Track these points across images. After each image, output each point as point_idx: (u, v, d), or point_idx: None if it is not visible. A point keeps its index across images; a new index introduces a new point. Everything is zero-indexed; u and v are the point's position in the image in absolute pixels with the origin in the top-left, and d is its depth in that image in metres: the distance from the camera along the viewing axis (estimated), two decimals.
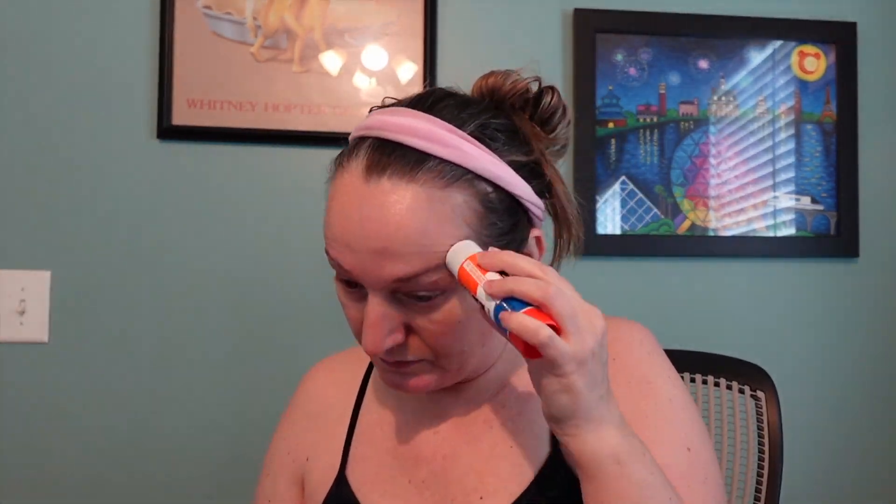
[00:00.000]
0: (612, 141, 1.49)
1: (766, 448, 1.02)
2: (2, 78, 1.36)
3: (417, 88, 1.43)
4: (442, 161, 0.64)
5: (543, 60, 1.49)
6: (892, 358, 1.55)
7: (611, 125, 1.50)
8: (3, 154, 1.36)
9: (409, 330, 0.67)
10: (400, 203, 0.62)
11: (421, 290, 0.64)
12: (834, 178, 1.54)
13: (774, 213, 1.53)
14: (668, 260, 1.50)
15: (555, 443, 0.70)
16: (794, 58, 1.55)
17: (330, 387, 0.84)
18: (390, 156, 0.64)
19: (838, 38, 1.54)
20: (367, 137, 0.67)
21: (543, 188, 0.71)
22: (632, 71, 1.51)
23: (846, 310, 1.54)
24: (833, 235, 1.53)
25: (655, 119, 1.51)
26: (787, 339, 1.53)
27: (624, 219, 1.49)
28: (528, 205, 0.68)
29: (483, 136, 0.67)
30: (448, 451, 0.74)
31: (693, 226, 1.51)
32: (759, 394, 1.04)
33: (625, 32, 1.50)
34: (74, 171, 1.37)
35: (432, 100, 0.69)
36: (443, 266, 0.63)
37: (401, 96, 1.51)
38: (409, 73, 1.43)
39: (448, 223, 0.63)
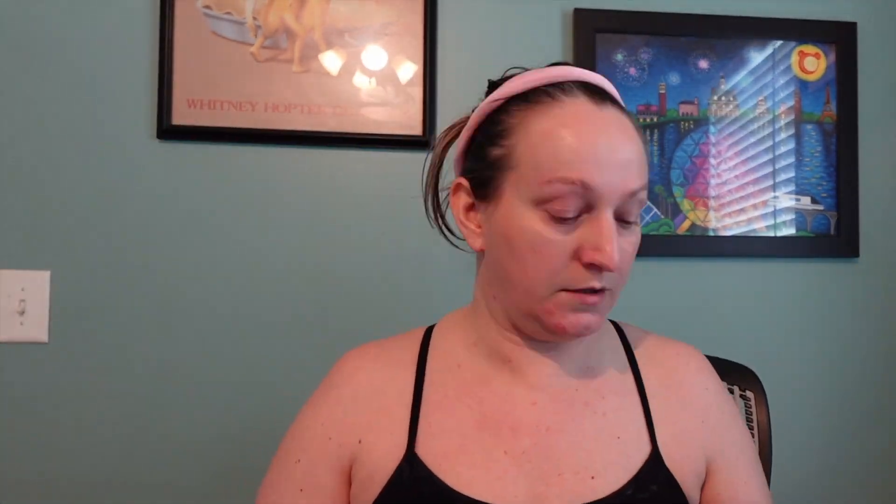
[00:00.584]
0: None
1: (756, 448, 1.02)
2: (1, 78, 1.36)
3: (417, 88, 1.43)
4: (627, 111, 0.76)
5: (543, 60, 1.50)
6: (893, 358, 1.55)
7: None
8: (3, 154, 1.36)
9: None
10: (629, 125, 0.74)
11: (636, 209, 0.73)
12: (834, 178, 1.54)
13: (774, 213, 1.53)
14: (668, 260, 1.50)
15: (654, 443, 0.76)
16: (794, 58, 1.55)
17: (377, 371, 0.82)
18: (602, 93, 0.75)
19: (838, 38, 1.54)
20: (572, 81, 0.75)
21: None
22: (632, 71, 1.51)
23: (846, 310, 1.55)
24: (833, 235, 1.53)
25: (655, 119, 1.51)
26: (787, 340, 1.53)
27: None
28: None
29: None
30: (553, 424, 0.75)
31: (693, 226, 1.51)
32: (749, 394, 1.05)
33: (625, 32, 1.50)
34: (74, 171, 1.37)
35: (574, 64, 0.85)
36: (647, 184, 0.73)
37: (401, 96, 1.51)
38: (409, 73, 1.43)
39: (645, 147, 0.75)
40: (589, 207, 0.71)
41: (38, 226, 1.36)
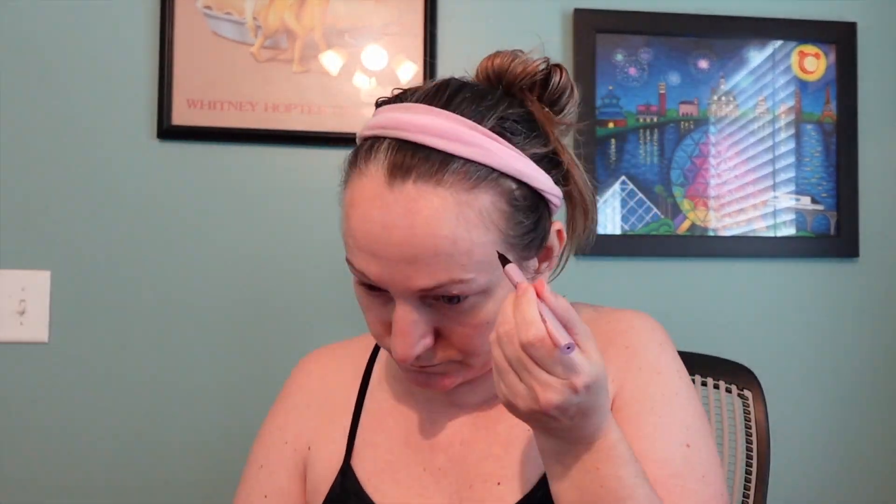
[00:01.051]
0: (612, 141, 1.49)
1: (755, 447, 1.02)
2: (1, 78, 1.36)
3: None
4: (467, 161, 0.62)
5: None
6: (893, 358, 1.55)
7: (611, 125, 1.50)
8: (3, 154, 1.36)
9: (437, 333, 0.66)
10: (428, 210, 0.60)
11: (453, 295, 0.63)
12: (834, 178, 1.54)
13: (774, 213, 1.53)
14: (668, 260, 1.50)
15: None
16: (794, 58, 1.55)
17: (330, 375, 0.82)
18: (413, 158, 0.61)
19: (838, 38, 1.54)
20: (384, 137, 0.64)
21: (560, 177, 0.70)
22: (632, 71, 1.51)
23: (846, 310, 1.54)
24: (833, 235, 1.53)
25: (655, 119, 1.51)
26: (786, 339, 1.53)
27: (624, 219, 1.49)
28: (549, 197, 0.68)
29: (504, 131, 0.65)
30: (466, 436, 0.73)
31: (693, 226, 1.51)
32: (746, 393, 1.05)
33: (625, 32, 1.50)
34: (74, 171, 1.37)
35: (448, 94, 0.66)
36: (473, 271, 0.62)
37: None
38: (409, 73, 1.43)
39: (476, 228, 0.61)
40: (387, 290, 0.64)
41: (38, 226, 1.36)
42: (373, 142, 0.64)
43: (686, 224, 1.51)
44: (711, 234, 1.51)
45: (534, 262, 0.69)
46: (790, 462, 1.50)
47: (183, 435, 1.38)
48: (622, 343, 0.74)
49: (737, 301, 1.52)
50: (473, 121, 0.64)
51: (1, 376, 1.34)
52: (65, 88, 1.38)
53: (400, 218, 0.60)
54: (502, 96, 0.69)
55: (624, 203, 1.49)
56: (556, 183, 0.69)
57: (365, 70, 1.43)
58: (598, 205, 1.48)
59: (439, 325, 0.65)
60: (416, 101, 0.66)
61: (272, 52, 1.41)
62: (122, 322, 1.37)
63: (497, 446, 0.72)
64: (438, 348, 0.66)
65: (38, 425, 1.35)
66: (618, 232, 1.48)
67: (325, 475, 0.76)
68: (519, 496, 0.68)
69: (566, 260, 0.75)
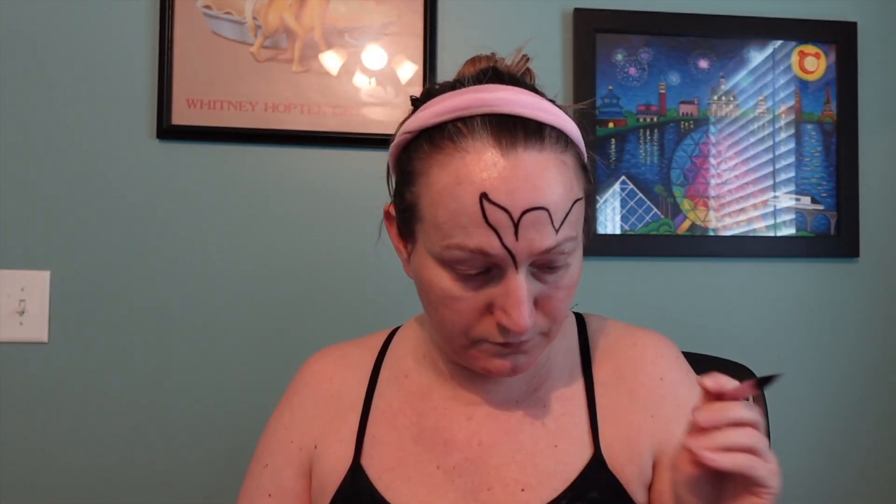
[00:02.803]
0: (612, 141, 1.49)
1: None
2: (1, 78, 1.36)
3: (417, 88, 1.43)
4: (553, 127, 0.66)
5: (543, 60, 1.50)
6: (892, 358, 1.55)
7: (611, 125, 1.50)
8: (3, 154, 1.36)
9: (535, 303, 0.67)
10: (543, 171, 0.63)
11: (562, 256, 0.66)
12: (834, 178, 1.54)
13: (774, 213, 1.53)
14: (668, 260, 1.50)
15: (596, 446, 0.72)
16: (794, 58, 1.55)
17: (337, 374, 0.82)
18: (515, 128, 0.64)
19: (838, 38, 1.54)
20: (472, 116, 0.65)
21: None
22: (632, 71, 1.51)
23: (846, 310, 1.54)
24: (833, 235, 1.53)
25: (655, 119, 1.51)
26: (786, 339, 1.53)
27: (624, 219, 1.49)
28: (588, 164, 0.73)
29: (555, 102, 0.70)
30: (486, 438, 0.74)
31: (693, 226, 1.51)
32: None
33: (625, 32, 1.50)
34: (74, 171, 1.37)
35: (505, 76, 0.70)
36: (577, 228, 0.66)
37: (401, 96, 1.51)
38: (409, 73, 1.43)
39: (574, 185, 0.66)
40: (496, 266, 0.65)
41: (38, 226, 1.36)
42: (460, 123, 0.65)
43: (686, 224, 1.51)
44: (711, 234, 1.51)
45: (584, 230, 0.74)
46: (789, 462, 1.50)
47: (183, 435, 1.38)
48: (655, 374, 0.76)
49: (737, 301, 1.52)
50: (537, 95, 0.69)
51: (1, 376, 1.34)
52: (64, 88, 1.38)
53: (522, 182, 0.62)
54: None
55: (624, 203, 1.49)
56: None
57: (365, 70, 1.43)
58: (598, 205, 1.48)
59: (538, 293, 0.67)
60: (476, 85, 0.68)
61: (272, 52, 1.41)
62: (121, 322, 1.37)
63: (521, 454, 0.72)
64: (537, 321, 0.69)
65: (38, 425, 1.35)
66: (618, 232, 1.48)
67: (334, 474, 0.76)
68: (545, 500, 0.69)
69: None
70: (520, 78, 0.73)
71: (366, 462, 0.75)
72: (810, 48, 1.55)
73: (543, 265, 0.66)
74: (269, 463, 0.81)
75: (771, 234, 1.52)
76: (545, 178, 0.63)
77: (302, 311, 1.41)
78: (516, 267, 0.64)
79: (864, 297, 1.55)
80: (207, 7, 1.39)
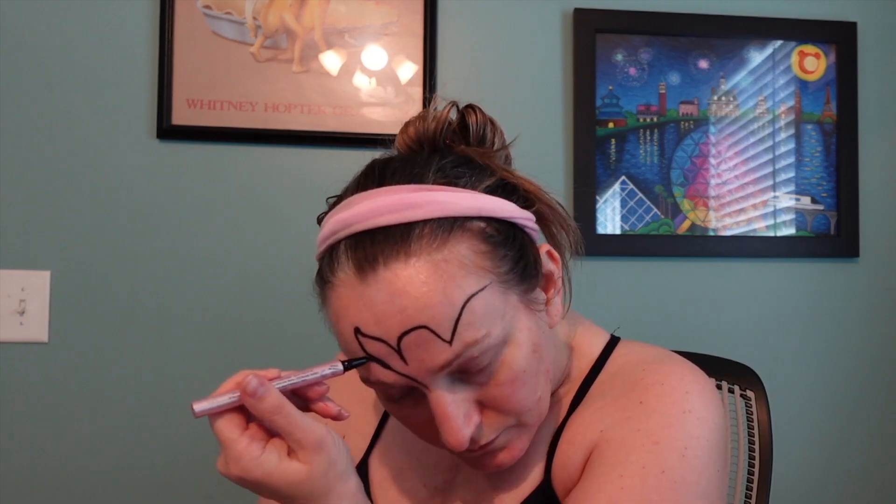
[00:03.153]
0: (612, 141, 1.49)
1: (757, 448, 1.03)
2: (1, 78, 1.36)
3: (417, 88, 1.43)
4: (425, 222, 0.59)
5: (543, 60, 1.50)
6: (892, 358, 1.55)
7: (611, 125, 1.50)
8: (3, 154, 1.36)
9: (481, 406, 0.62)
10: (410, 285, 0.57)
11: (475, 360, 0.59)
12: (834, 178, 1.54)
13: (774, 213, 1.53)
14: (668, 260, 1.50)
15: (548, 473, 0.67)
16: (794, 58, 1.55)
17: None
18: (374, 245, 0.58)
19: (838, 38, 1.54)
20: (338, 243, 0.61)
21: (522, 200, 0.67)
22: (632, 71, 1.51)
23: (846, 310, 1.54)
24: (833, 235, 1.53)
25: (655, 119, 1.51)
26: (786, 339, 1.53)
27: (624, 219, 1.49)
28: (521, 222, 0.64)
29: (447, 179, 0.62)
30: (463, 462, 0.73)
31: (693, 226, 1.51)
32: (749, 393, 1.04)
33: (625, 32, 1.50)
34: (74, 171, 1.37)
35: (378, 173, 0.64)
36: (483, 326, 0.58)
37: (401, 96, 1.51)
38: (409, 73, 1.43)
39: (465, 279, 0.58)
40: (413, 388, 0.61)
41: (38, 226, 1.36)
42: (329, 253, 0.62)
43: (686, 224, 1.51)
44: (711, 234, 1.51)
45: (540, 294, 0.66)
46: (789, 461, 1.49)
47: (183, 434, 1.38)
48: (637, 397, 0.66)
49: (737, 301, 1.52)
50: (413, 183, 0.61)
51: (1, 376, 1.34)
52: (64, 88, 1.38)
53: (387, 306, 0.57)
54: (431, 153, 0.67)
55: (624, 203, 1.49)
56: (524, 207, 0.66)
57: (365, 70, 1.43)
58: (598, 205, 1.48)
59: (479, 397, 0.61)
60: (350, 196, 0.64)
61: (272, 52, 1.41)
62: (121, 322, 1.37)
63: (483, 478, 0.71)
64: (489, 421, 0.62)
65: (38, 425, 1.35)
66: (618, 232, 1.48)
67: None
68: None
69: (569, 278, 0.71)
70: (401, 165, 0.64)
71: (372, 464, 0.76)
72: (810, 48, 1.55)
73: (463, 371, 0.60)
74: None
75: (771, 234, 1.52)
76: (412, 294, 0.57)
77: (302, 310, 1.41)
78: (426, 386, 0.59)
79: (864, 297, 1.55)
80: (207, 7, 1.39)
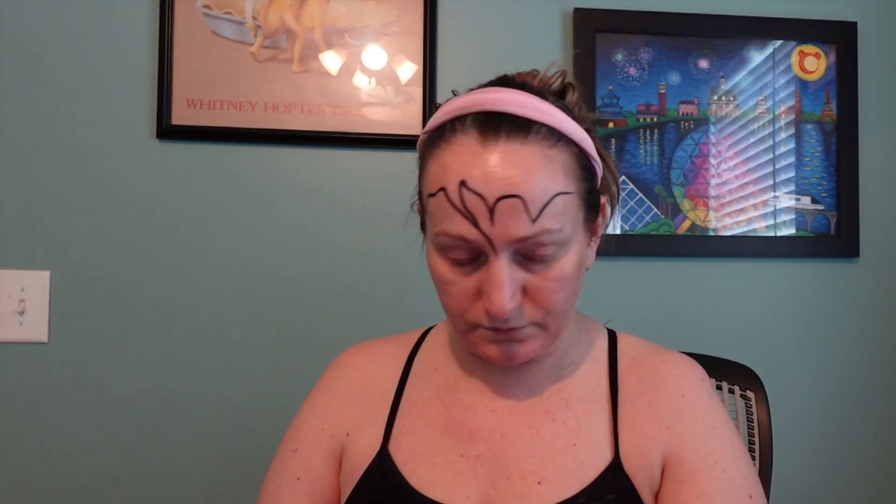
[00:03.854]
0: (612, 141, 1.49)
1: (757, 448, 1.03)
2: (2, 78, 1.36)
3: (417, 88, 1.43)
4: (543, 125, 0.69)
5: (543, 60, 1.50)
6: (892, 358, 1.55)
7: (611, 125, 1.49)
8: (3, 154, 1.36)
9: (523, 292, 0.70)
10: (521, 160, 0.66)
11: (543, 247, 0.68)
12: (834, 178, 1.54)
13: (774, 213, 1.53)
14: (668, 260, 1.50)
15: (616, 451, 0.74)
16: (794, 58, 1.55)
17: (370, 368, 0.86)
18: (500, 123, 0.68)
19: (838, 38, 1.54)
20: (465, 115, 0.70)
21: (598, 151, 0.77)
22: (632, 71, 1.51)
23: (846, 310, 1.54)
24: (833, 235, 1.53)
25: (655, 119, 1.51)
26: (786, 340, 1.53)
27: (624, 219, 1.49)
28: (597, 167, 0.76)
29: (563, 106, 0.74)
30: (508, 430, 0.77)
31: (693, 226, 1.51)
32: (749, 394, 1.05)
33: (625, 32, 1.50)
34: (74, 171, 1.37)
35: (511, 79, 0.76)
36: (560, 221, 0.68)
37: (401, 96, 1.51)
38: (409, 73, 1.43)
39: (561, 178, 0.68)
40: (481, 253, 0.69)
41: (38, 226, 1.36)
42: (455, 120, 0.70)
43: (686, 224, 1.51)
44: (711, 234, 1.51)
45: (590, 231, 0.76)
46: (789, 461, 1.50)
47: (183, 434, 1.38)
48: (677, 390, 0.78)
49: (737, 301, 1.52)
50: (539, 97, 0.72)
51: (1, 376, 1.34)
52: (64, 88, 1.38)
53: (498, 168, 0.66)
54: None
55: (624, 203, 1.49)
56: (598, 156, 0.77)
57: (365, 70, 1.43)
58: None
59: (526, 282, 0.69)
60: (482, 87, 0.73)
61: (272, 52, 1.41)
62: (121, 322, 1.37)
63: (541, 447, 0.75)
64: (525, 309, 0.71)
65: (38, 425, 1.35)
66: (618, 232, 1.48)
67: (362, 458, 0.79)
68: (559, 499, 0.71)
69: (604, 238, 0.81)
70: (534, 86, 0.76)
71: (393, 449, 0.78)
72: (810, 48, 1.55)
73: (527, 254, 0.68)
74: (298, 448, 0.83)
75: (771, 234, 1.52)
76: (522, 169, 0.66)
77: (301, 310, 1.41)
78: (496, 252, 0.67)
79: (864, 297, 1.55)
80: (207, 7, 1.39)
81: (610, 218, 0.82)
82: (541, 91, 0.75)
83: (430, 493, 0.74)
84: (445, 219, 0.68)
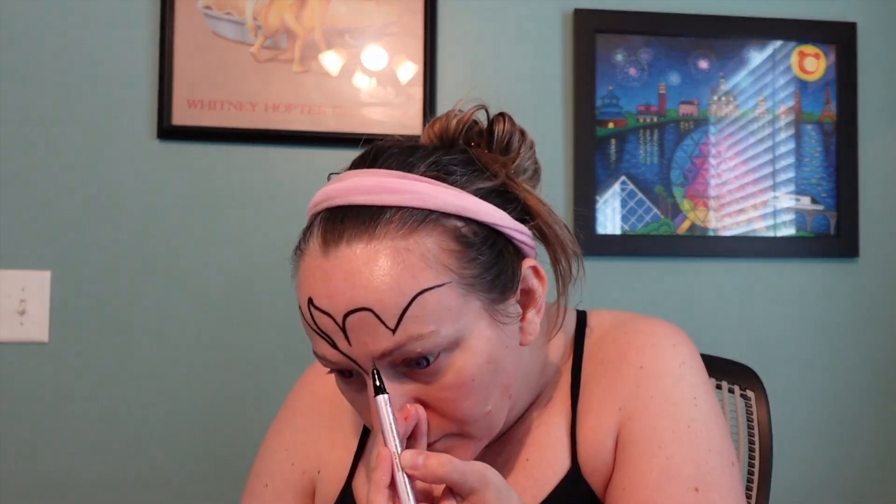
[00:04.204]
0: (612, 141, 1.49)
1: (757, 448, 1.02)
2: (2, 78, 1.36)
3: (417, 89, 1.43)
4: (399, 209, 0.59)
5: (543, 60, 1.50)
6: (892, 358, 1.55)
7: (611, 125, 1.50)
8: (4, 154, 1.36)
9: (422, 403, 0.61)
10: (365, 266, 0.57)
11: (419, 356, 0.58)
12: (834, 178, 1.54)
13: (774, 213, 1.53)
14: (668, 260, 1.50)
15: (574, 458, 0.67)
16: (794, 58, 1.55)
17: (339, 394, 0.77)
18: (344, 221, 0.59)
19: (838, 38, 1.54)
20: (318, 214, 0.63)
21: (521, 212, 0.66)
22: (632, 71, 1.51)
23: (846, 310, 1.54)
24: (833, 235, 1.53)
25: (655, 119, 1.51)
26: (786, 340, 1.53)
27: (624, 219, 1.49)
28: (509, 232, 0.63)
29: (437, 174, 0.62)
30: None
31: (693, 226, 1.51)
32: (749, 394, 1.04)
33: (625, 32, 1.50)
34: (74, 171, 1.37)
35: (373, 154, 0.66)
36: (431, 322, 0.57)
37: (401, 96, 1.51)
38: (409, 73, 1.43)
39: (423, 272, 0.57)
40: (358, 372, 0.61)
41: (38, 226, 1.36)
42: (310, 222, 0.64)
43: (686, 224, 1.51)
44: (711, 234, 1.51)
45: (514, 307, 0.64)
46: (789, 461, 1.49)
47: (182, 435, 1.38)
48: (636, 362, 0.68)
49: (737, 301, 1.52)
50: (402, 171, 0.62)
51: (1, 376, 1.34)
52: (65, 88, 1.38)
53: (340, 282, 0.57)
54: (438, 147, 0.67)
55: (624, 203, 1.49)
56: (520, 220, 0.65)
57: (365, 70, 1.43)
58: (598, 205, 1.48)
59: (420, 395, 0.60)
60: (344, 171, 0.66)
61: (272, 52, 1.41)
62: (122, 322, 1.37)
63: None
64: (430, 421, 0.61)
65: (38, 425, 1.35)
66: (618, 232, 1.48)
67: (329, 496, 0.75)
68: None
69: (566, 303, 0.70)
70: (409, 148, 0.66)
71: (356, 485, 0.73)
72: (810, 48, 1.55)
73: (406, 363, 0.59)
74: (269, 483, 0.78)
75: (771, 234, 1.52)
76: (366, 275, 0.57)
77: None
78: (366, 372, 0.59)
79: (864, 297, 1.55)
80: (208, 7, 1.40)
81: (573, 268, 0.68)
82: (407, 160, 0.63)
83: None
84: (311, 338, 0.62)
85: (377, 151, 0.66)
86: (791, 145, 1.54)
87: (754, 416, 1.04)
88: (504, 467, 0.68)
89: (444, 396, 0.60)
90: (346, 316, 0.57)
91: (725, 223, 1.52)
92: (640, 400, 0.66)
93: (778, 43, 1.54)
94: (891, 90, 1.57)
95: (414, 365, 0.58)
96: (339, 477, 0.75)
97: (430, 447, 0.61)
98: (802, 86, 1.55)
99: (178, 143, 1.40)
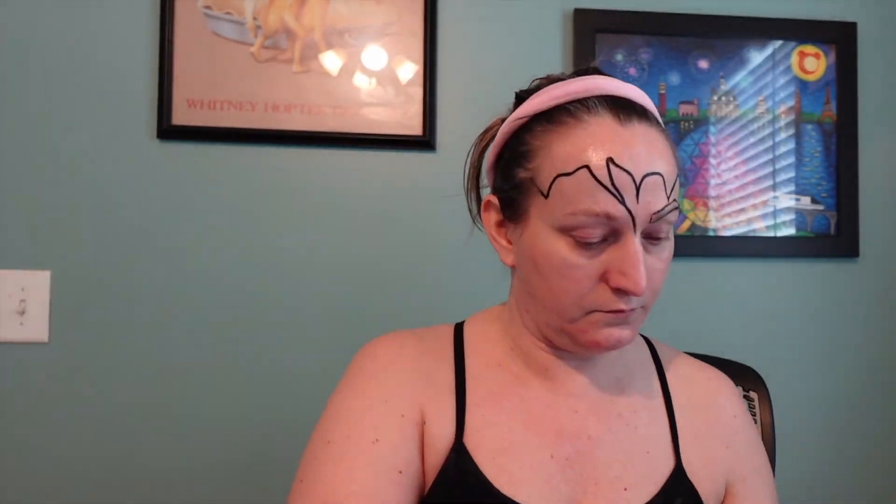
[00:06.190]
0: None
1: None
2: (1, 78, 1.36)
3: (417, 88, 1.43)
4: (653, 113, 0.74)
5: (543, 60, 1.50)
6: (892, 358, 1.55)
7: None
8: (4, 154, 1.36)
9: None
10: (657, 139, 0.71)
11: (667, 226, 0.71)
12: (834, 178, 1.54)
13: (774, 213, 1.53)
14: None
15: (678, 457, 0.77)
16: (794, 58, 1.55)
17: (421, 356, 0.79)
18: (627, 106, 0.71)
19: (838, 38, 1.54)
20: (588, 98, 0.72)
21: None
22: (632, 71, 1.51)
23: (846, 310, 1.55)
24: (833, 235, 1.53)
25: None
26: (787, 340, 1.53)
27: None
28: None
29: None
30: (593, 433, 0.76)
31: (693, 226, 1.51)
32: (752, 394, 1.05)
33: (625, 32, 1.50)
34: (74, 171, 1.37)
35: (595, 70, 0.79)
36: (676, 199, 0.72)
37: (401, 96, 1.51)
38: (409, 73, 1.43)
39: (675, 162, 0.73)
40: (615, 232, 0.70)
41: (38, 226, 1.36)
42: (578, 103, 0.72)
43: (686, 224, 1.51)
44: (711, 234, 1.51)
45: None
46: (789, 461, 1.50)
47: (183, 435, 1.38)
48: (730, 411, 0.84)
49: (737, 301, 1.52)
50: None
51: (1, 376, 1.34)
52: (64, 88, 1.38)
53: (641, 148, 0.69)
54: None
55: None
56: None
57: (365, 70, 1.43)
58: None
59: (645, 263, 0.72)
60: (583, 75, 0.76)
61: (272, 52, 1.41)
62: (122, 322, 1.37)
63: (623, 454, 0.76)
64: None
65: (39, 425, 1.35)
66: None
67: (437, 450, 0.73)
68: (642, 501, 0.73)
69: None
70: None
71: (471, 443, 0.73)
72: (810, 48, 1.55)
73: (650, 235, 0.71)
74: (380, 439, 0.72)
75: (771, 234, 1.52)
76: (658, 148, 0.70)
77: (301, 310, 1.41)
78: (634, 229, 0.69)
79: (864, 297, 1.55)
80: (207, 7, 1.39)
81: None
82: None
83: (516, 495, 0.70)
84: (587, 196, 0.68)
85: (596, 69, 0.79)
86: (791, 145, 1.54)
87: (757, 417, 1.04)
88: (632, 453, 0.76)
89: (658, 268, 0.72)
90: (644, 176, 0.69)
91: (725, 223, 1.51)
92: (741, 444, 0.82)
93: (778, 43, 1.54)
94: (891, 90, 1.57)
95: (654, 235, 0.71)
96: (447, 433, 0.74)
97: (632, 312, 0.73)
98: (802, 86, 1.55)
99: (178, 143, 1.40)
